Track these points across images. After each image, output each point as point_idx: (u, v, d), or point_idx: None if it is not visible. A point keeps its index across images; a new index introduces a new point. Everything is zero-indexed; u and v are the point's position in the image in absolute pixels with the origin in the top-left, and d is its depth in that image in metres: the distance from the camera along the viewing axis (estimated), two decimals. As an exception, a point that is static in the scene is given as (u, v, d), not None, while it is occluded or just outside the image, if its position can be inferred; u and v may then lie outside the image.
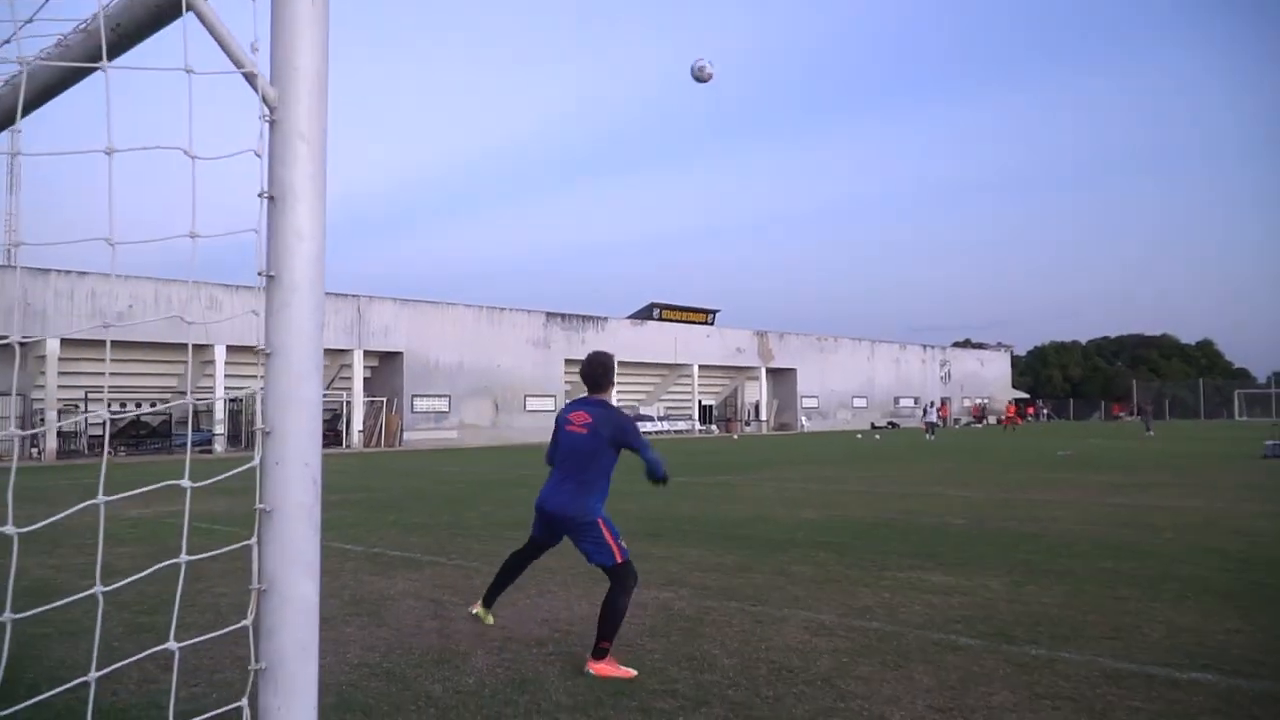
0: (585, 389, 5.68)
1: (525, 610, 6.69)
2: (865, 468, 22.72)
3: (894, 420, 69.02)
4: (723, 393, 63.44)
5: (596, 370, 5.54)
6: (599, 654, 5.06)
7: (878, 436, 46.42)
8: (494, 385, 45.58)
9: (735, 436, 51.35)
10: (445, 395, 43.58)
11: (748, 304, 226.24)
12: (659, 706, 4.52)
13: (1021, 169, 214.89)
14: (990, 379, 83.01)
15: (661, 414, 57.27)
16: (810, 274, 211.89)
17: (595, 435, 5.29)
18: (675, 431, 55.14)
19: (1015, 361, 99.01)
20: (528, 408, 46.98)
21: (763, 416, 61.67)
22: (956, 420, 73.57)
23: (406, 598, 7.21)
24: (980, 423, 73.51)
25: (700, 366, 57.76)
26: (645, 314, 57.16)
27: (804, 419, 62.73)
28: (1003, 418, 67.49)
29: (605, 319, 52.85)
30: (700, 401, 59.28)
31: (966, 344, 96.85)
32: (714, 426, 59.83)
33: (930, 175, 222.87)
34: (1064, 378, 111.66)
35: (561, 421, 5.53)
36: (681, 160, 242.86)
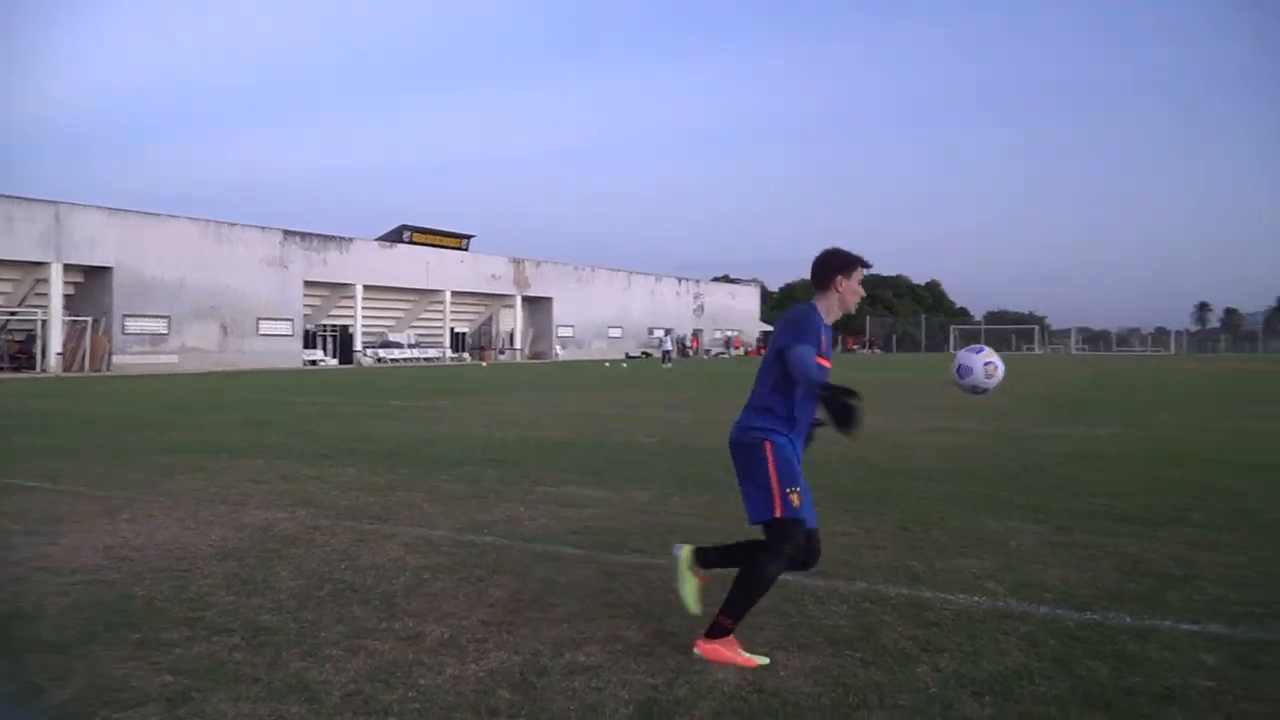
0: None
1: (93, 538, 5.83)
2: (592, 392, 22.71)
3: (648, 350, 70.56)
4: (477, 320, 62.33)
5: (813, 267, 4.06)
6: (716, 632, 3.67)
7: (624, 365, 47.11)
8: (222, 306, 42.31)
9: (486, 365, 50.60)
10: (164, 316, 39.98)
11: (505, 231, 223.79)
12: (164, 637, 3.88)
13: (780, 119, 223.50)
14: (741, 312, 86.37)
15: (412, 341, 55.61)
16: (571, 206, 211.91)
17: (771, 343, 3.98)
18: (425, 359, 53.74)
19: (766, 296, 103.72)
20: (261, 331, 44.06)
21: (517, 345, 61.21)
22: (708, 350, 76.21)
23: (-41, 526, 6.14)
24: (727, 352, 76.58)
25: (453, 293, 56.32)
26: (395, 236, 54.88)
27: (559, 348, 62.81)
28: (760, 346, 72.89)
29: (350, 239, 50.24)
30: (453, 329, 57.95)
31: (725, 279, 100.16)
32: (466, 354, 58.79)
33: (692, 120, 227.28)
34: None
35: None
36: (442, 87, 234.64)
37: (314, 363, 47.62)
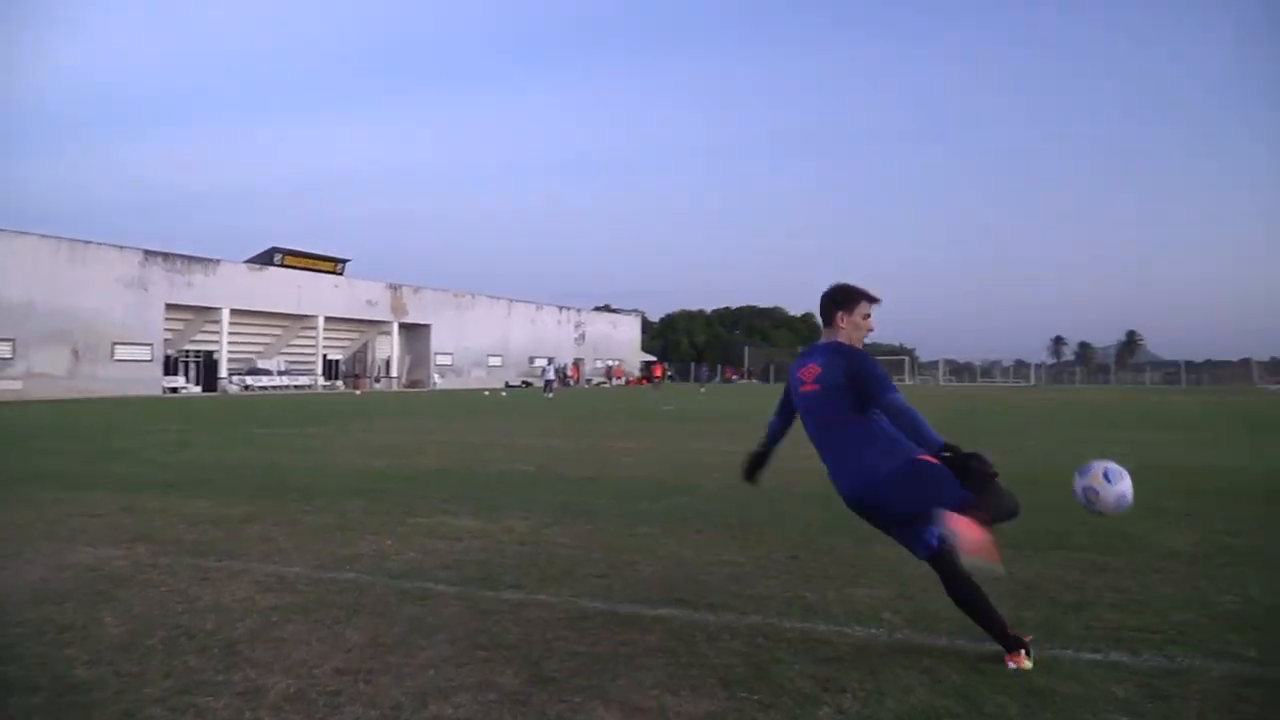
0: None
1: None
2: (470, 420, 22.08)
3: (527, 379, 69.77)
4: (351, 347, 60.44)
5: (820, 304, 3.97)
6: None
7: (504, 394, 46.33)
8: (74, 329, 39.65)
9: (360, 393, 49.00)
10: (8, 340, 37.18)
11: (383, 256, 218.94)
12: (-51, 699, 3.28)
13: (665, 148, 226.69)
14: (622, 341, 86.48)
15: (281, 368, 53.45)
16: (452, 232, 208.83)
17: (828, 387, 3.77)
18: (296, 387, 51.69)
19: (647, 326, 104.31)
20: (117, 356, 41.43)
21: (394, 373, 59.57)
22: (588, 380, 75.89)
23: None
24: (609, 382, 76.45)
25: (326, 318, 54.42)
26: (265, 259, 52.71)
27: (437, 376, 61.43)
28: (642, 377, 74.90)
29: (217, 261, 47.99)
30: (326, 356, 55.97)
31: (606, 309, 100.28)
32: (339, 383, 56.86)
33: (574, 147, 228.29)
34: (690, 343, 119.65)
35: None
36: (318, 104, 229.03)
37: (175, 390, 45.11)
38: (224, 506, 7.84)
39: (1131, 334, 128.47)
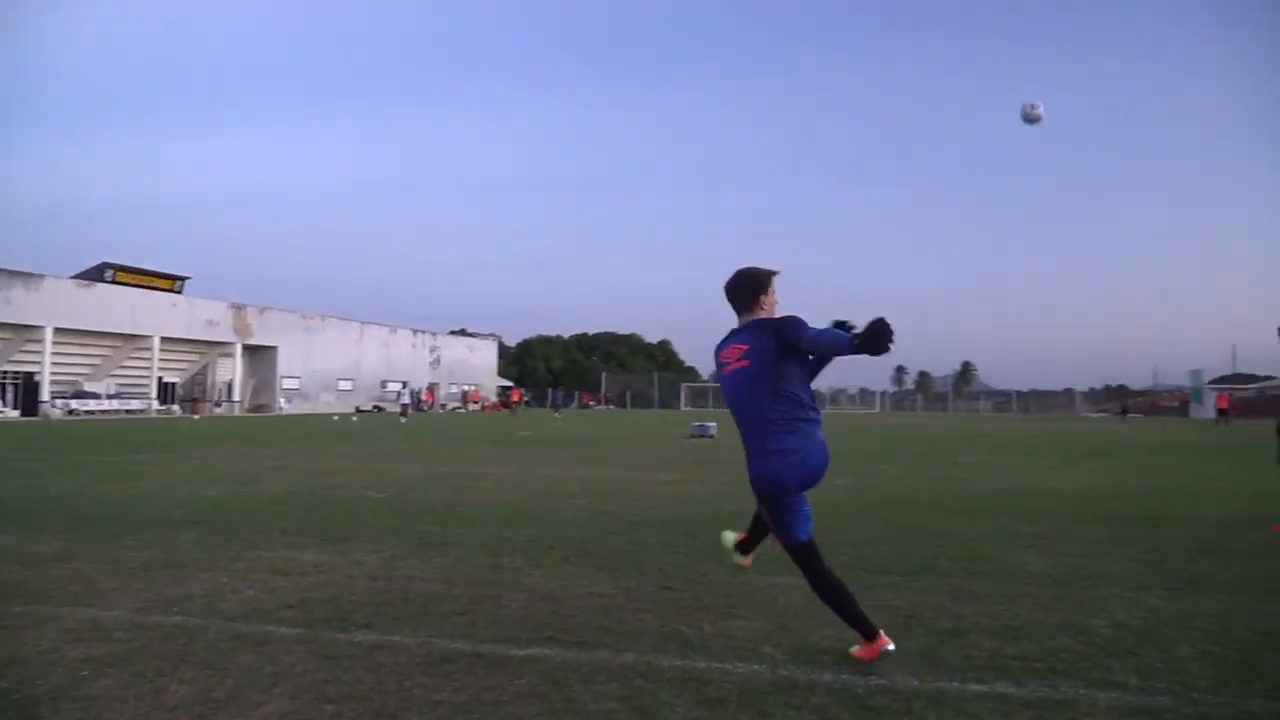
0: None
1: None
2: (318, 445, 21.04)
3: (379, 404, 67.73)
4: (190, 369, 57.25)
5: (734, 292, 4.15)
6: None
7: (355, 419, 44.69)
8: None
9: (198, 417, 46.33)
10: None
11: (227, 275, 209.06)
12: None
13: (521, 172, 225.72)
14: (478, 366, 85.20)
15: (111, 391, 50.10)
16: (301, 252, 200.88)
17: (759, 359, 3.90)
18: (128, 411, 48.51)
19: (504, 351, 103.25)
20: (-80, 377, 37.94)
21: (236, 397, 56.71)
22: (443, 404, 74.29)
23: None
24: (464, 407, 75.08)
25: (163, 339, 51.43)
26: (95, 275, 49.48)
27: (283, 401, 58.88)
28: (500, 402, 74.96)
29: (41, 276, 44.65)
30: (161, 378, 52.80)
31: (462, 333, 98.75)
32: (176, 406, 53.70)
33: (427, 168, 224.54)
34: (547, 369, 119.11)
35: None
36: (152, 117, 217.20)
37: (-13, 414, 41.61)
38: (34, 542, 7.02)
39: (966, 364, 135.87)
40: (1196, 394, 77.17)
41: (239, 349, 56.94)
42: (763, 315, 4.01)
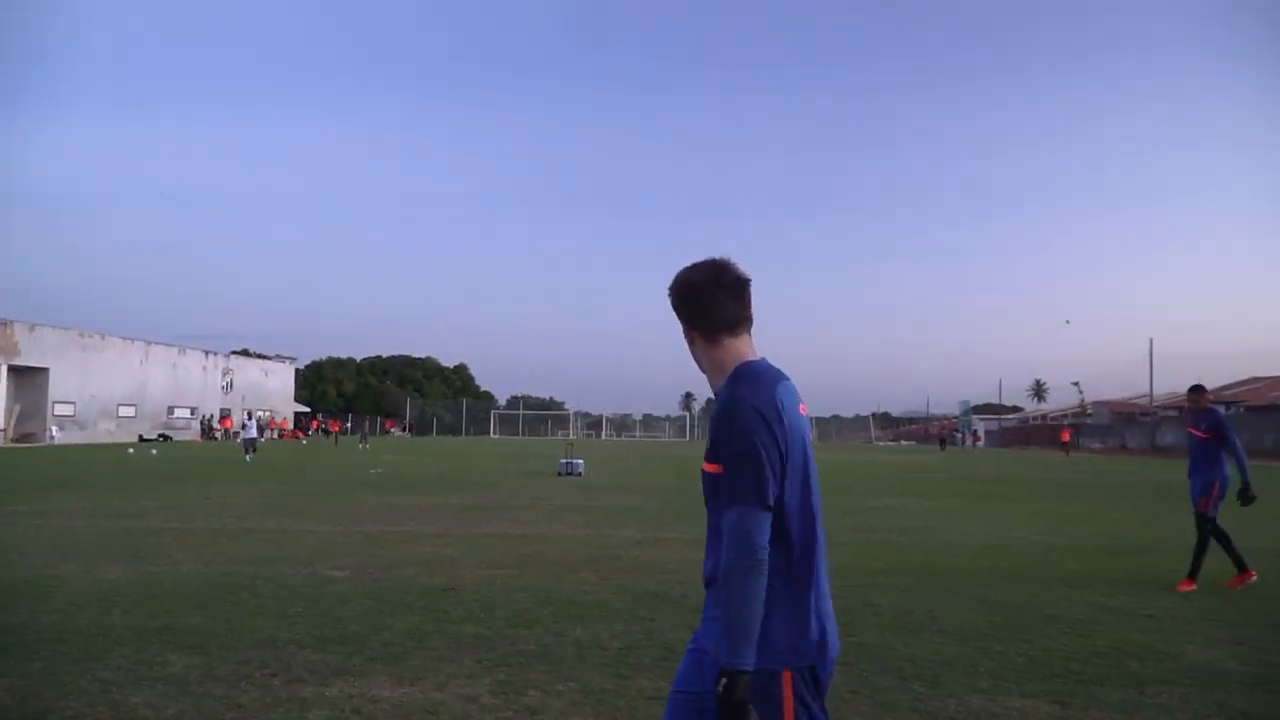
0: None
1: None
2: (151, 492, 18.54)
3: (166, 433, 62.15)
4: (-59, 393, 50.33)
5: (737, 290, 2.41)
6: None
7: (154, 451, 40.54)
8: None
9: (-41, 450, 40.57)
10: None
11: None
12: None
13: (311, 186, 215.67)
14: (274, 390, 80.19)
15: None
16: (76, 264, 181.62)
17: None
18: None
19: (296, 375, 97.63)
20: None
21: (-1, 425, 50.31)
22: (237, 432, 69.11)
23: None
24: (260, 437, 70.18)
25: (-90, 358, 44.89)
26: None
27: (54, 429, 52.80)
28: (299, 429, 75.19)
29: None
30: (-94, 404, 46.02)
31: (247, 353, 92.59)
32: (-76, 436, 46.95)
33: (213, 176, 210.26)
34: (338, 392, 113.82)
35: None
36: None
37: None
38: None
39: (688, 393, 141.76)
40: (965, 423, 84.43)
41: (4, 370, 50.59)
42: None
